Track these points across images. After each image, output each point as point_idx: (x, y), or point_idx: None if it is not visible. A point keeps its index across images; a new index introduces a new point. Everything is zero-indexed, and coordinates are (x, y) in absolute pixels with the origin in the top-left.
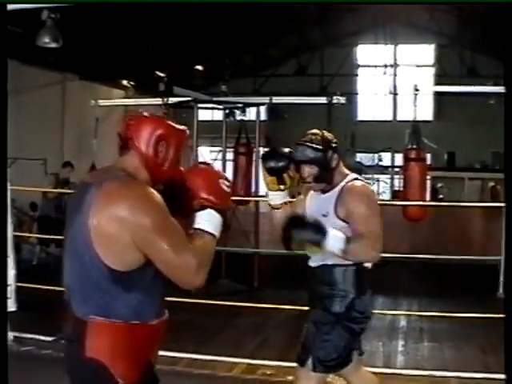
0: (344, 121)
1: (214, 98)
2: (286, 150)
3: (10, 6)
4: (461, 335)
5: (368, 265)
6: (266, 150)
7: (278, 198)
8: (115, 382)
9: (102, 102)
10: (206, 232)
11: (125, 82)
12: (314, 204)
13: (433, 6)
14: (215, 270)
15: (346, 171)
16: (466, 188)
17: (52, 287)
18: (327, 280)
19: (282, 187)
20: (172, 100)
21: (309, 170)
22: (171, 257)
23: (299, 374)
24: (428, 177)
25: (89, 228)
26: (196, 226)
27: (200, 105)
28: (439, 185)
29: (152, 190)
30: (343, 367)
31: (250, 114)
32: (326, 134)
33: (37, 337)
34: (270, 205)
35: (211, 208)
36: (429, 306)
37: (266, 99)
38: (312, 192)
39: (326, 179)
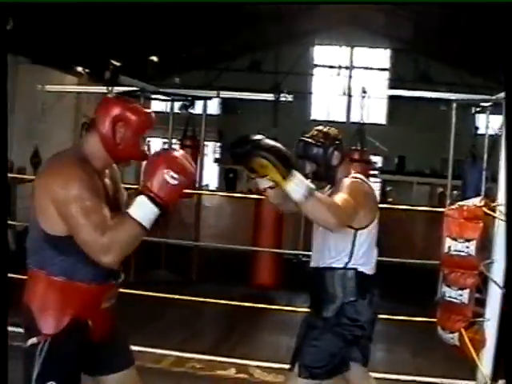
0: (297, 119)
1: (161, 90)
2: (258, 136)
3: None
4: (394, 338)
5: (367, 270)
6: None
7: (262, 182)
8: (37, 328)
9: (48, 88)
10: (132, 217)
11: (79, 69)
12: None
13: (390, 10)
14: (154, 260)
15: (352, 171)
16: (414, 192)
17: None
18: (319, 283)
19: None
20: (118, 89)
21: (309, 167)
22: (82, 232)
23: (287, 378)
24: (378, 180)
25: (33, 194)
26: (127, 209)
27: (147, 95)
28: (388, 188)
29: (81, 168)
30: (333, 376)
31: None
32: (330, 130)
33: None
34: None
35: (146, 196)
36: None
37: (213, 93)
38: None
39: (325, 177)
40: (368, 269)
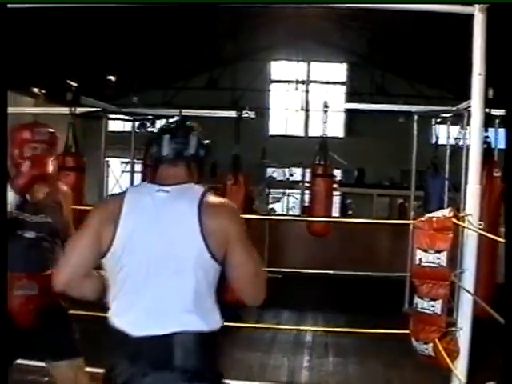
0: (255, 135)
1: (123, 110)
2: None
3: None
4: (365, 350)
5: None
6: None
7: None
8: None
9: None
10: None
11: (35, 90)
12: None
13: (345, 24)
14: None
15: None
16: (374, 204)
17: None
18: None
19: None
20: (81, 110)
21: None
22: None
23: None
24: (338, 192)
25: None
26: None
27: (109, 115)
28: (348, 201)
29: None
30: None
31: None
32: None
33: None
34: None
35: None
36: (334, 321)
37: (175, 112)
38: None
39: None
40: (122, 322)
